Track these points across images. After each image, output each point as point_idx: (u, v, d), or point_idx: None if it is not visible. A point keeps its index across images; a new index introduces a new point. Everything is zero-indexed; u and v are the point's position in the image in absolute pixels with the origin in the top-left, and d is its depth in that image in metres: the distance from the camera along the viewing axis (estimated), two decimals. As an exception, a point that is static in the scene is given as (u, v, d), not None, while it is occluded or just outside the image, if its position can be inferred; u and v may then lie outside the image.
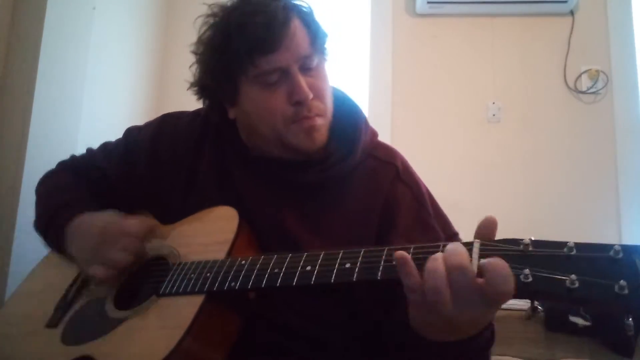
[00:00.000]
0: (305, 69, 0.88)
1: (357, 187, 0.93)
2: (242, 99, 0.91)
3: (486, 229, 0.62)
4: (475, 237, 0.62)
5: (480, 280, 0.56)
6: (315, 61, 0.90)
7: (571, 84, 2.40)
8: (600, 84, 2.37)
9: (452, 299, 0.56)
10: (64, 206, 0.99)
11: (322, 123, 0.90)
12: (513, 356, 1.72)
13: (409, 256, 0.60)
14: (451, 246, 0.59)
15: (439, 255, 0.59)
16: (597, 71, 2.37)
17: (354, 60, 2.57)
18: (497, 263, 0.55)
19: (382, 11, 2.56)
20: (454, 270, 0.56)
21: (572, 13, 2.43)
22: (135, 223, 0.89)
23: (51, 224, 0.99)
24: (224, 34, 0.88)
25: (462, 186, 2.36)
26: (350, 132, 0.96)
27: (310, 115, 0.88)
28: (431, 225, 0.90)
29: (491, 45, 2.47)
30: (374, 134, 1.01)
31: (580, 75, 2.39)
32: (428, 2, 2.42)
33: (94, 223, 0.92)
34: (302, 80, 0.86)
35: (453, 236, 0.93)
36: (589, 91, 2.38)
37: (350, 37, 2.62)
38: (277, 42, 0.84)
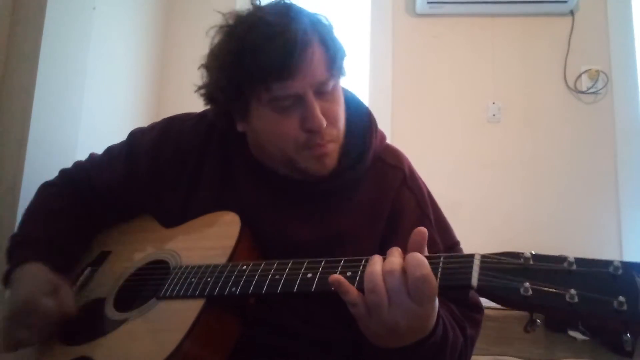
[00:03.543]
0: (321, 93, 0.84)
1: (365, 192, 0.92)
2: (253, 118, 0.88)
3: (416, 243, 0.66)
4: (409, 251, 0.65)
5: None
6: (331, 84, 0.86)
7: (571, 84, 2.40)
8: (600, 84, 2.37)
9: (388, 302, 0.62)
10: (31, 243, 0.97)
11: (334, 148, 0.88)
12: (513, 356, 1.73)
13: (341, 277, 0.65)
14: (390, 257, 0.64)
15: (377, 259, 0.65)
16: (597, 71, 2.37)
17: (354, 60, 2.57)
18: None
19: (382, 11, 2.56)
20: (386, 275, 0.62)
21: (572, 13, 2.43)
22: (50, 306, 0.85)
23: (12, 254, 0.98)
24: (238, 53, 0.82)
25: (462, 186, 2.36)
26: (360, 136, 0.94)
27: (323, 143, 0.85)
28: (431, 237, 0.89)
29: (491, 45, 2.47)
30: (383, 137, 0.99)
31: (580, 75, 2.39)
32: (428, 2, 2.42)
33: (24, 287, 0.88)
34: (317, 108, 0.82)
35: (453, 246, 0.93)
36: (589, 91, 2.38)
37: (351, 37, 2.62)
38: (294, 69, 0.80)
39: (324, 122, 0.83)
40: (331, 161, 0.88)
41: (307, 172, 0.88)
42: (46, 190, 1.10)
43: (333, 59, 0.86)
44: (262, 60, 0.80)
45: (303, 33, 0.81)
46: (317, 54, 0.83)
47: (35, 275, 0.90)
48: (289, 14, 0.83)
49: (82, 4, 1.79)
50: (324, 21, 0.88)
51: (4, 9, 1.56)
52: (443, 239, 0.92)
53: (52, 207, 1.04)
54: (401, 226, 0.89)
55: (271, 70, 0.80)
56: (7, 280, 0.93)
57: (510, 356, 1.72)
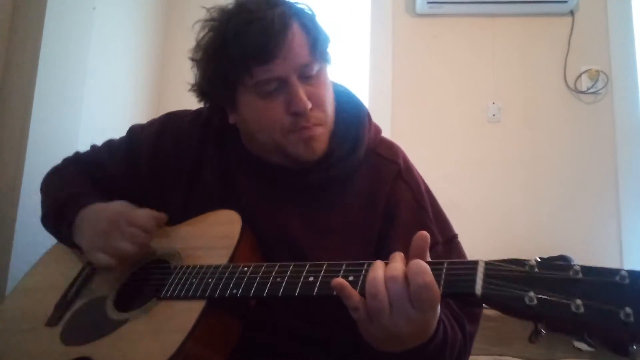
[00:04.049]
0: (305, 77, 0.85)
1: (359, 185, 0.92)
2: (241, 106, 0.89)
3: (418, 248, 0.65)
4: (411, 256, 0.64)
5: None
6: (315, 68, 0.86)
7: (571, 84, 2.40)
8: (600, 84, 2.37)
9: (390, 308, 0.61)
10: (74, 198, 0.98)
11: (321, 132, 0.88)
12: (513, 356, 1.73)
13: (344, 281, 0.64)
14: (392, 262, 0.63)
15: (379, 264, 0.64)
16: (597, 71, 2.37)
17: (354, 60, 2.57)
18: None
19: (382, 11, 2.56)
20: (388, 281, 0.61)
21: (572, 13, 2.43)
22: (144, 215, 0.88)
23: (61, 215, 0.98)
24: (220, 42, 0.85)
25: (462, 186, 2.36)
26: (353, 128, 0.94)
27: (308, 125, 0.85)
28: (429, 229, 0.88)
29: (491, 45, 2.47)
30: (378, 130, 0.99)
31: (580, 75, 2.39)
32: (428, 2, 2.42)
33: (104, 212, 0.91)
34: (301, 91, 0.83)
35: (451, 239, 0.93)
36: (589, 91, 2.38)
37: (350, 37, 2.62)
38: (274, 51, 0.81)
39: (309, 104, 0.84)
40: (320, 145, 0.88)
41: (297, 158, 0.88)
42: (55, 170, 1.12)
43: (315, 42, 0.86)
44: (242, 46, 0.82)
45: (281, 17, 0.83)
46: (297, 37, 0.84)
47: (103, 205, 0.93)
48: (269, 2, 0.85)
49: (82, 4, 1.79)
50: (306, 9, 0.89)
51: (4, 9, 1.56)
52: (441, 232, 0.91)
53: (67, 176, 1.07)
54: (398, 220, 0.88)
55: (251, 54, 0.81)
56: (69, 235, 0.95)
57: (510, 356, 1.72)
